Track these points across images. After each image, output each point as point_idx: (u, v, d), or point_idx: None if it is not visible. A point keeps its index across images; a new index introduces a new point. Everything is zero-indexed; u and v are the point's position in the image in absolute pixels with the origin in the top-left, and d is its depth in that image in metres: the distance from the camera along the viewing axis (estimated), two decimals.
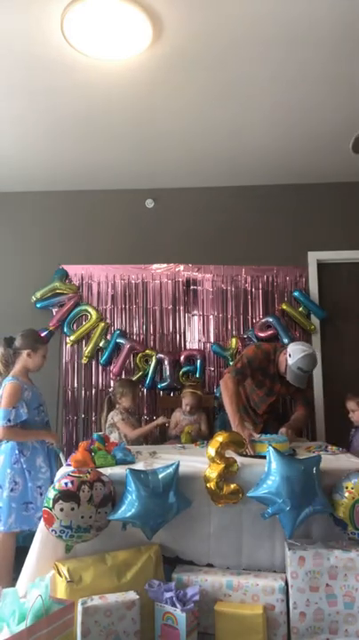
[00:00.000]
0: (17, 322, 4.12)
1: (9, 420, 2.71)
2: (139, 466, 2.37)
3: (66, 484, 2.12)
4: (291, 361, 2.83)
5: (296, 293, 4.07)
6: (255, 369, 2.98)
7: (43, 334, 3.05)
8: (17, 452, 2.75)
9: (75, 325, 4.15)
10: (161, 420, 3.48)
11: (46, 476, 2.78)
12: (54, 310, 4.14)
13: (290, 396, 3.29)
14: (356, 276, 4.20)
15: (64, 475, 2.23)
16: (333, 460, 2.51)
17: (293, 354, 2.83)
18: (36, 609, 1.84)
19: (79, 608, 1.99)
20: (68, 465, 2.41)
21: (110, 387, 4.04)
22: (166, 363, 3.99)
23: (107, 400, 3.66)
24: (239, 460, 2.35)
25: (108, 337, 4.09)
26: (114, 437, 3.36)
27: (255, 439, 2.54)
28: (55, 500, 2.09)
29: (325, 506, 2.17)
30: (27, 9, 2.24)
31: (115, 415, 3.47)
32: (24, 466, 2.74)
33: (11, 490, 2.69)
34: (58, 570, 2.16)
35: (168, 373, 3.97)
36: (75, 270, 4.20)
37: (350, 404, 3.38)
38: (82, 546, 2.21)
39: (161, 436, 3.75)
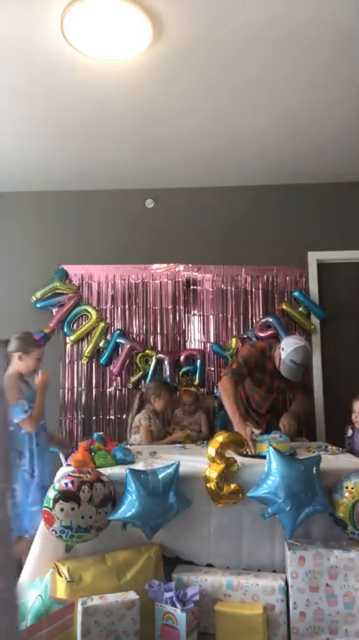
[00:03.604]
0: (17, 322, 4.13)
1: (26, 411, 2.72)
2: (139, 466, 2.38)
3: (66, 484, 2.12)
4: (283, 354, 2.85)
5: (296, 293, 4.07)
6: (252, 367, 3.00)
7: (38, 337, 3.03)
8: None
9: (75, 325, 4.15)
10: (180, 434, 3.40)
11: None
12: (54, 310, 4.14)
13: (289, 390, 3.31)
14: (356, 276, 4.20)
15: (64, 475, 2.23)
16: (333, 459, 2.51)
17: (286, 347, 2.85)
18: (36, 609, 1.85)
19: (79, 608, 1.99)
20: (68, 465, 2.41)
21: (110, 386, 4.04)
22: (166, 363, 3.99)
23: (139, 399, 3.55)
24: (239, 459, 2.35)
25: (108, 337, 4.09)
26: (134, 439, 3.34)
27: (256, 438, 2.55)
28: (55, 500, 2.09)
29: (325, 506, 2.17)
30: (28, 9, 2.23)
31: (143, 419, 3.39)
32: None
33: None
34: (58, 570, 2.16)
35: (168, 373, 3.97)
36: (75, 270, 4.20)
37: (357, 406, 3.14)
38: (82, 546, 2.21)
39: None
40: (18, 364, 2.92)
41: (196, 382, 3.94)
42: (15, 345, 2.93)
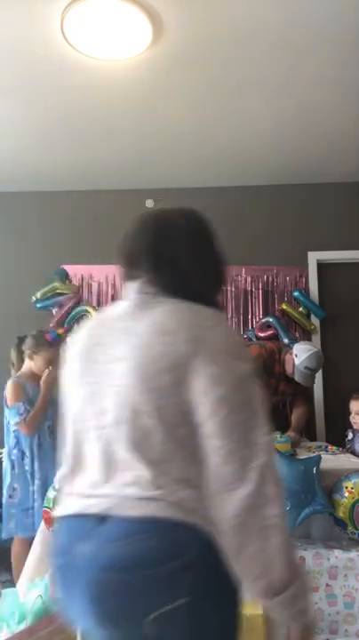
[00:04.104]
0: (17, 322, 4.13)
1: (21, 415, 2.70)
2: None
3: None
4: (297, 361, 2.84)
5: (296, 293, 4.07)
6: (259, 368, 2.98)
7: (50, 337, 2.96)
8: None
9: (75, 326, 4.14)
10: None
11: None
12: (54, 311, 4.14)
13: (290, 394, 3.30)
14: (356, 276, 4.20)
15: None
16: (333, 459, 2.51)
17: (299, 354, 2.84)
18: (37, 609, 1.85)
19: None
20: None
21: None
22: None
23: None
24: None
25: None
26: None
27: None
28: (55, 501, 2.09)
29: (325, 506, 2.17)
30: (28, 9, 2.23)
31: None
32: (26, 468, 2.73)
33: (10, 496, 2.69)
34: None
35: None
36: (75, 270, 4.20)
37: (355, 406, 3.10)
38: None
39: None
40: (29, 363, 2.90)
41: None
42: (27, 343, 2.92)
